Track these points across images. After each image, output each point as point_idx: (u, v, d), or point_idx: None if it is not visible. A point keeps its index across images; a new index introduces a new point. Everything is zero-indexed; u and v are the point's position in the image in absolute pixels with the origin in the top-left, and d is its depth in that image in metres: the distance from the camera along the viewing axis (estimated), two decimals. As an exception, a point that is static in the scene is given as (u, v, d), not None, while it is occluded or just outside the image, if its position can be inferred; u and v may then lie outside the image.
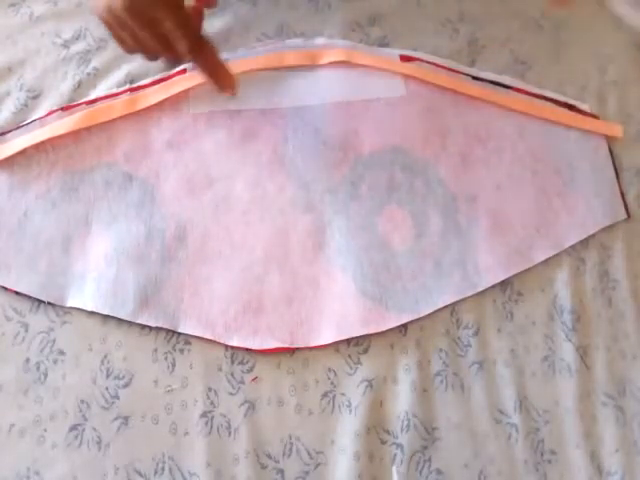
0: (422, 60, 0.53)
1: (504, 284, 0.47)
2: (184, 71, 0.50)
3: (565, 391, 0.45)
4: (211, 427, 0.42)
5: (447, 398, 0.44)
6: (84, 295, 0.44)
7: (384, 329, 0.45)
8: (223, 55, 0.51)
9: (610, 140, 0.53)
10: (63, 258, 0.45)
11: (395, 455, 0.42)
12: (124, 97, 0.49)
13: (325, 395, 0.43)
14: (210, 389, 0.43)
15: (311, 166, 0.49)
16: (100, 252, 0.45)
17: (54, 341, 0.43)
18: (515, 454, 0.43)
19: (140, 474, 0.41)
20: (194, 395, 0.43)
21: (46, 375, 0.43)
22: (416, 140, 0.50)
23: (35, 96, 0.51)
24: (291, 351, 0.44)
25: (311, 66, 0.52)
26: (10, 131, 0.49)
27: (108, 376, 0.43)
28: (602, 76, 0.55)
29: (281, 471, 0.42)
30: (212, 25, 0.53)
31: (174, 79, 0.50)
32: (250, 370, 0.44)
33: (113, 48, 0.52)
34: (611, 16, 0.58)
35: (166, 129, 0.49)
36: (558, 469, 0.43)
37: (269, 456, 0.42)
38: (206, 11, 0.51)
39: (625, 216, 0.50)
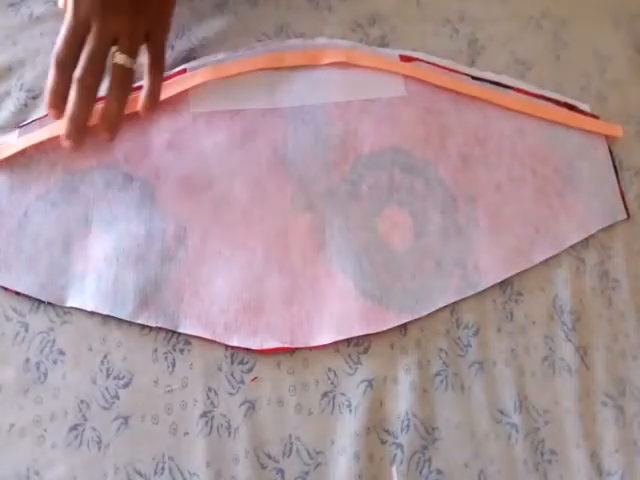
0: (422, 60, 0.53)
1: (504, 284, 0.47)
2: (184, 71, 0.50)
3: (565, 391, 0.45)
4: (211, 427, 0.42)
5: (447, 398, 0.44)
6: (84, 295, 0.44)
7: (384, 329, 0.45)
8: (223, 55, 0.52)
9: (610, 140, 0.53)
10: (63, 258, 0.45)
11: (395, 455, 0.42)
12: (124, 97, 0.49)
13: (325, 395, 0.43)
14: (210, 389, 0.43)
15: (311, 166, 0.49)
16: (100, 252, 0.45)
17: (54, 341, 0.43)
18: (515, 454, 0.43)
19: (140, 474, 0.41)
20: (194, 395, 0.43)
21: (46, 375, 0.43)
22: (416, 140, 0.50)
23: (35, 96, 0.51)
24: (291, 351, 0.44)
25: (311, 66, 0.52)
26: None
27: (108, 376, 0.43)
28: (602, 76, 0.55)
29: (281, 471, 0.42)
30: (212, 25, 0.53)
31: (174, 79, 0.50)
32: (250, 370, 0.44)
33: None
34: (611, 16, 0.58)
35: (166, 129, 0.49)
36: (558, 469, 0.43)
37: (269, 456, 0.42)
38: (206, 11, 0.51)
39: (625, 216, 0.50)
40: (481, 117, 0.52)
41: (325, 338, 0.44)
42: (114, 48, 0.43)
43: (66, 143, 0.43)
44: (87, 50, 0.42)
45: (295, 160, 0.49)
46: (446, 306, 0.46)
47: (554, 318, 0.47)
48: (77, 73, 0.42)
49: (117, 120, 0.44)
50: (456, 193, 0.49)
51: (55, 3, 0.54)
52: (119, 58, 0.43)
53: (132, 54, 0.43)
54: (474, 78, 0.53)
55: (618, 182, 0.51)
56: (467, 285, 0.46)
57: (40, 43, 0.53)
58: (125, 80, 0.43)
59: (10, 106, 0.50)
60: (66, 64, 0.42)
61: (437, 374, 0.44)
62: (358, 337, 0.44)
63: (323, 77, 0.51)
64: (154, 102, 0.45)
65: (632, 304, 0.48)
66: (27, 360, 0.43)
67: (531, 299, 0.47)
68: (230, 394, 0.43)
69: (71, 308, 0.44)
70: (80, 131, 0.43)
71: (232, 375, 0.43)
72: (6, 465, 0.40)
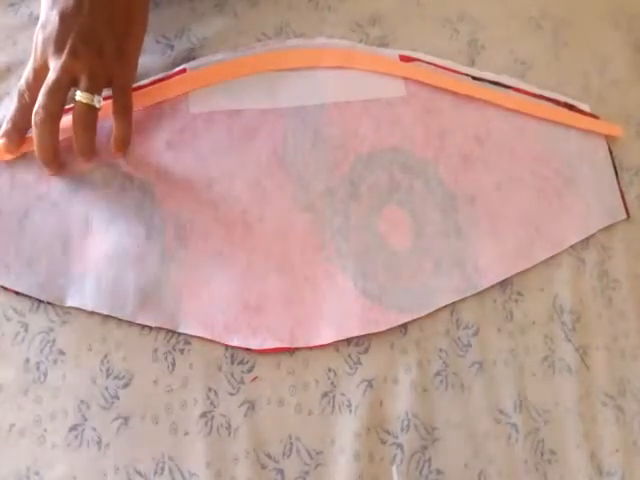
0: (422, 60, 0.53)
1: (504, 284, 0.47)
2: (184, 71, 0.50)
3: (565, 391, 0.45)
4: (211, 427, 0.42)
5: (447, 398, 0.44)
6: (84, 295, 0.44)
7: (384, 329, 0.45)
8: (223, 55, 0.52)
9: (610, 140, 0.53)
10: (63, 258, 0.45)
11: (395, 455, 0.42)
12: (124, 97, 0.49)
13: (325, 395, 0.43)
14: (210, 389, 0.43)
15: (311, 166, 0.49)
16: (100, 252, 0.45)
17: (54, 341, 0.43)
18: (515, 454, 0.43)
19: (140, 474, 0.41)
20: (194, 395, 0.43)
21: (46, 375, 0.43)
22: (416, 140, 0.50)
23: (35, 96, 0.50)
24: (291, 351, 0.44)
25: (311, 66, 0.52)
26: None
27: (108, 376, 0.43)
28: (602, 76, 0.55)
29: (281, 471, 0.42)
30: (212, 25, 0.53)
31: (173, 79, 0.50)
32: (250, 370, 0.44)
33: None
34: (611, 16, 0.58)
35: (165, 129, 0.49)
36: (558, 469, 0.43)
37: (269, 456, 0.42)
38: (206, 11, 0.51)
39: (625, 216, 0.50)
40: (481, 117, 0.52)
41: (325, 338, 0.44)
42: (75, 88, 0.43)
43: (46, 171, 0.46)
44: (44, 85, 0.43)
45: (295, 160, 0.49)
46: (446, 306, 0.46)
47: (554, 318, 0.47)
48: (34, 108, 0.43)
49: (89, 153, 0.46)
50: (456, 193, 0.49)
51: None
52: (80, 96, 0.43)
53: (93, 92, 0.43)
54: (474, 78, 0.53)
55: (618, 182, 0.51)
56: (467, 285, 0.46)
57: (40, 43, 0.52)
58: (86, 117, 0.43)
59: (10, 106, 0.50)
60: (22, 95, 0.45)
61: (437, 374, 0.44)
62: (358, 337, 0.44)
63: (323, 77, 0.51)
64: (125, 146, 0.46)
65: (632, 304, 0.48)
66: (27, 360, 0.43)
67: (531, 299, 0.47)
68: (230, 394, 0.43)
69: (71, 308, 0.44)
70: (50, 162, 0.45)
71: (232, 375, 0.43)
72: (6, 465, 0.40)
